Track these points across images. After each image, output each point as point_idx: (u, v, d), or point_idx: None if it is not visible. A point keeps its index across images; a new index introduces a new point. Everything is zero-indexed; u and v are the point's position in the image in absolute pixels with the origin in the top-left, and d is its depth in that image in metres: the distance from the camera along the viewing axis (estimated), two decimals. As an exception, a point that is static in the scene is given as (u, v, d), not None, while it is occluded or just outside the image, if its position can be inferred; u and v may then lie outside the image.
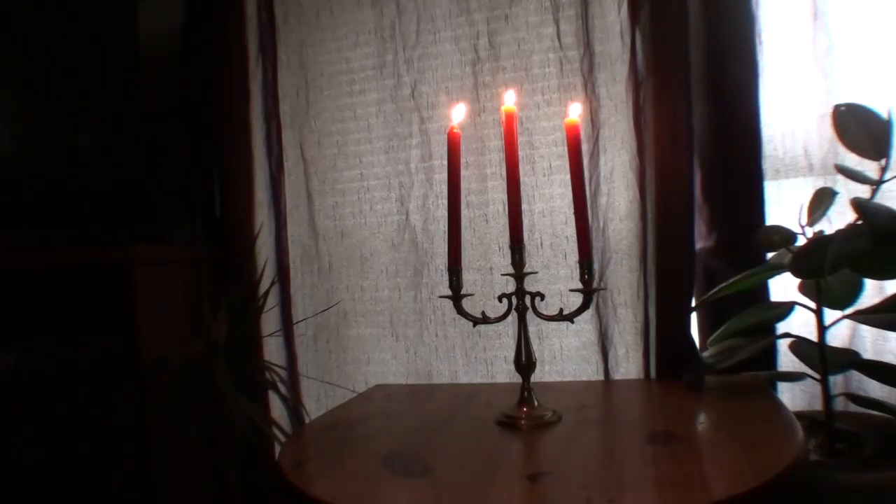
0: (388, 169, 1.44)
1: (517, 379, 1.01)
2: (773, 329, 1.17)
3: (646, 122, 1.24)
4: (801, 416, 0.95)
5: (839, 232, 0.97)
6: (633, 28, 1.25)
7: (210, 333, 1.29)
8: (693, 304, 1.22)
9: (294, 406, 1.44)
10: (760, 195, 1.23)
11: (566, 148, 0.98)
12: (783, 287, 1.20)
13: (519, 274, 0.99)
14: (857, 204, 0.91)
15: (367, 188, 1.45)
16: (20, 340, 1.26)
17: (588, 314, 1.22)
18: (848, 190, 1.10)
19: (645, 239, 1.26)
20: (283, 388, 1.38)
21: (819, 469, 0.98)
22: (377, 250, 1.45)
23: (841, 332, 1.18)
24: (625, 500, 0.68)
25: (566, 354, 1.34)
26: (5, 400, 1.24)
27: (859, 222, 0.93)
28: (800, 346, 1.09)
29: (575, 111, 0.99)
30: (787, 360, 1.20)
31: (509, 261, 0.99)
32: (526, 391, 0.99)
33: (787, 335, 1.11)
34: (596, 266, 1.24)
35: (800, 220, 1.04)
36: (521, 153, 1.14)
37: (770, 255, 1.15)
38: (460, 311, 1.01)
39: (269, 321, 1.45)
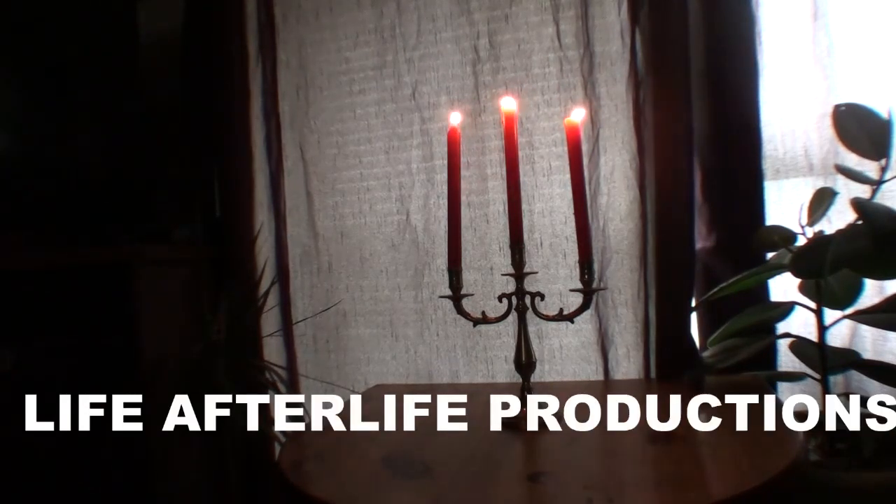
0: (388, 169, 1.44)
1: (517, 379, 1.01)
2: (773, 329, 1.17)
3: (646, 122, 1.24)
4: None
5: (839, 232, 0.97)
6: (633, 28, 1.25)
7: (210, 333, 1.29)
8: (693, 304, 1.22)
9: (294, 406, 1.44)
10: (760, 195, 1.23)
11: (566, 148, 0.98)
12: (783, 287, 1.20)
13: (519, 274, 0.99)
14: (857, 204, 0.91)
15: (367, 188, 1.45)
16: (20, 340, 1.26)
17: (588, 314, 1.22)
18: (848, 190, 1.10)
19: (645, 239, 1.26)
20: (283, 388, 1.38)
21: (819, 469, 0.98)
22: (377, 250, 1.45)
23: (841, 332, 1.18)
24: (625, 500, 0.68)
25: (566, 354, 1.34)
26: (5, 400, 1.24)
27: (859, 222, 0.93)
28: (800, 346, 1.09)
29: (578, 116, 0.98)
30: (787, 360, 1.20)
31: (509, 261, 0.99)
32: (526, 391, 0.99)
33: (787, 335, 1.12)
34: (596, 266, 1.24)
35: (800, 220, 1.05)
36: (521, 153, 1.14)
37: (770, 255, 1.15)
38: (460, 310, 1.01)
39: (269, 321, 1.45)
